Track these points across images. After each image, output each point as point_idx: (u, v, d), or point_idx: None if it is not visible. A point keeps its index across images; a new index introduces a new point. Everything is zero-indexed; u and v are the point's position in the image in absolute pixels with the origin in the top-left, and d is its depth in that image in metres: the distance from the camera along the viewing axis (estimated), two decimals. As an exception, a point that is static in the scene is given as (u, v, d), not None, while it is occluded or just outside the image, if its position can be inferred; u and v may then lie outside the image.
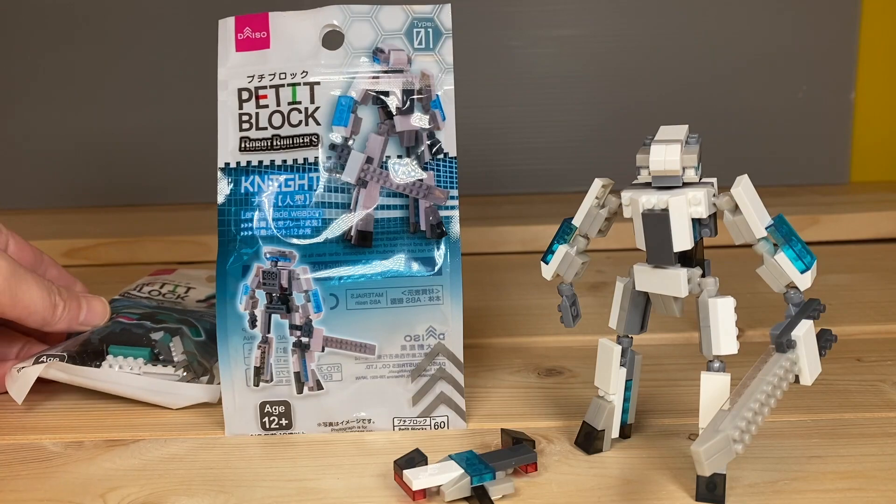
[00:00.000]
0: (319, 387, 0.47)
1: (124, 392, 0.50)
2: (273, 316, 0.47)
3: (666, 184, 0.39)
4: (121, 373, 0.50)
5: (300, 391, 0.47)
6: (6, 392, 0.50)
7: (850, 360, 0.55)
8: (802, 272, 0.39)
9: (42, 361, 0.49)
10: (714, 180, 0.40)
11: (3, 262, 0.47)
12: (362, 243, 0.47)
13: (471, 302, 0.68)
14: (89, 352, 0.51)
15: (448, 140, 0.48)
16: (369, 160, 0.47)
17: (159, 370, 0.51)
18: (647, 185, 0.40)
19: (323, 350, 0.47)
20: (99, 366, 0.51)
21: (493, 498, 0.39)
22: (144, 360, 0.51)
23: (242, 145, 0.48)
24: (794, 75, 1.02)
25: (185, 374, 0.51)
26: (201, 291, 0.62)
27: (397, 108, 0.47)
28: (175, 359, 0.51)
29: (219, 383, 0.48)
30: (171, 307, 0.58)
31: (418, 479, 0.39)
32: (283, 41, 0.48)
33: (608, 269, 0.77)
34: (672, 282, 0.39)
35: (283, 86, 0.48)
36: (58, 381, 0.50)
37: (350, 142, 0.48)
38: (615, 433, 0.44)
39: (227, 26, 0.48)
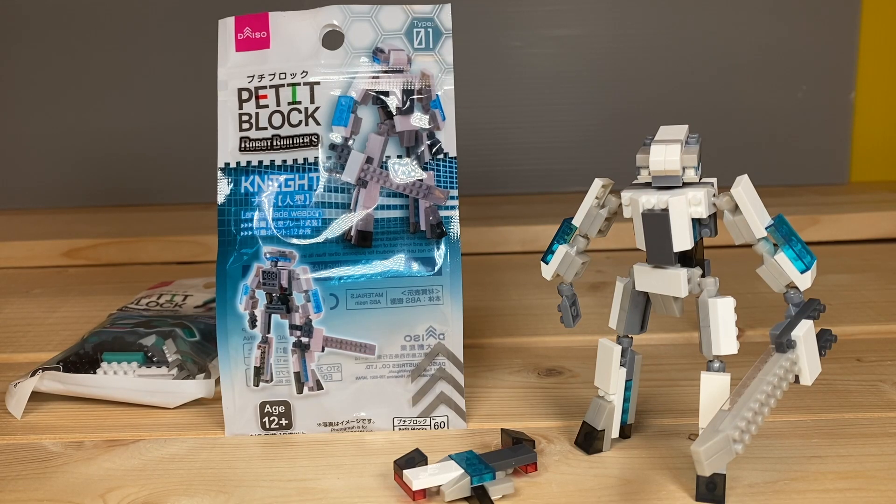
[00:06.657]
0: (319, 387, 0.47)
1: (120, 396, 0.51)
2: (273, 316, 0.47)
3: (666, 184, 0.39)
4: (115, 377, 0.51)
5: (300, 391, 0.47)
6: None
7: (850, 360, 0.55)
8: (802, 272, 0.39)
9: (37, 374, 0.50)
10: (714, 180, 0.40)
11: None
12: (362, 243, 0.47)
13: (471, 302, 0.68)
14: (83, 361, 0.52)
15: (448, 140, 0.48)
16: (369, 160, 0.47)
17: (153, 371, 0.51)
18: (647, 185, 0.40)
19: (323, 350, 0.47)
20: (94, 373, 0.51)
21: (493, 498, 0.39)
22: (138, 363, 0.51)
23: (242, 145, 0.48)
24: (794, 75, 1.02)
25: (179, 372, 0.51)
26: (198, 298, 0.62)
27: (397, 108, 0.47)
28: (169, 359, 0.52)
29: (215, 379, 0.48)
30: (168, 315, 0.58)
31: (418, 479, 0.39)
32: (283, 41, 0.48)
33: (608, 269, 0.77)
34: (672, 282, 0.39)
35: (283, 86, 0.48)
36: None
37: (350, 142, 0.47)
38: (615, 433, 0.44)
39: (227, 26, 0.48)
